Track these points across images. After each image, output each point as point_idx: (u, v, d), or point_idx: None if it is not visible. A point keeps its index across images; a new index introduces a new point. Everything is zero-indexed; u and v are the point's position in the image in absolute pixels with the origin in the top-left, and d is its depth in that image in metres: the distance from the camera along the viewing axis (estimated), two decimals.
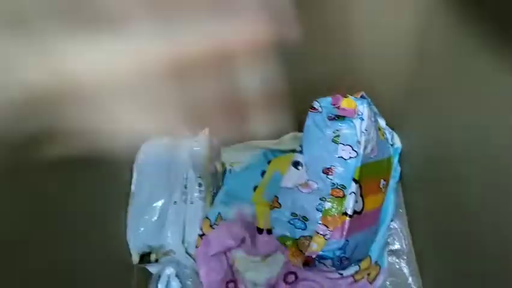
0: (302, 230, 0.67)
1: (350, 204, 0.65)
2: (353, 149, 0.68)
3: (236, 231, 0.73)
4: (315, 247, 0.65)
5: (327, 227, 0.65)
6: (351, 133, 0.69)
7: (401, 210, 0.78)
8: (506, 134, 0.43)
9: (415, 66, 0.66)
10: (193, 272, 0.72)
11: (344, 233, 0.64)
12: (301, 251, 0.66)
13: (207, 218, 0.76)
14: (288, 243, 0.67)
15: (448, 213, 0.62)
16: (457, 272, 0.59)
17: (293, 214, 0.68)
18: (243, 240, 0.73)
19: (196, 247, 0.73)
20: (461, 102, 0.54)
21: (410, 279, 0.72)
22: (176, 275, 0.70)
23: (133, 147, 0.82)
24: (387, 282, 0.73)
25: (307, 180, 0.68)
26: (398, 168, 0.79)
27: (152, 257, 0.77)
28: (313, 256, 0.65)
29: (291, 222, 0.68)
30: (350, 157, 0.67)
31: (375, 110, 0.75)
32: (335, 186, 0.66)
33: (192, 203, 0.76)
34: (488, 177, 0.48)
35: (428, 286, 0.70)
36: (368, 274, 0.72)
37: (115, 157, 0.74)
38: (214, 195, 0.80)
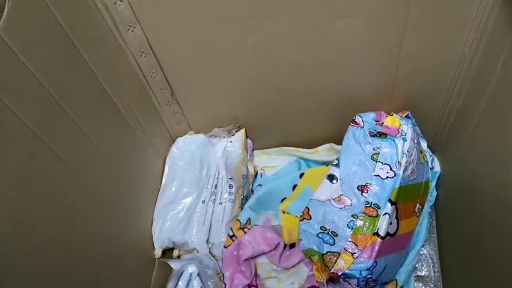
0: (330, 245, 0.65)
1: (382, 225, 0.63)
2: (391, 169, 0.66)
3: (271, 237, 0.72)
4: (342, 264, 0.63)
5: (357, 246, 0.63)
6: (391, 152, 0.67)
7: (432, 236, 0.76)
8: None
9: (469, 90, 0.63)
10: (214, 273, 0.71)
11: (374, 254, 0.62)
12: (327, 266, 0.64)
13: (237, 220, 0.75)
14: (314, 257, 0.65)
15: (481, 245, 0.59)
16: None
17: (322, 228, 0.66)
18: (276, 247, 0.72)
19: (225, 247, 0.72)
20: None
21: None
22: (198, 274, 0.70)
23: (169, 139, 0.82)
24: None
25: (341, 195, 0.67)
26: (434, 193, 0.76)
27: (175, 253, 0.76)
28: (339, 273, 0.63)
29: (320, 236, 0.66)
30: (388, 177, 0.65)
31: (419, 131, 0.73)
32: (369, 204, 0.65)
33: (220, 203, 0.75)
34: None
35: None
36: None
37: (150, 147, 0.75)
38: (244, 198, 0.79)
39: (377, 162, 0.67)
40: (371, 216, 0.64)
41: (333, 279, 0.64)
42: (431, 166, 0.76)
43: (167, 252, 0.77)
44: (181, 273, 0.70)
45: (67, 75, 0.51)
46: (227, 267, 0.72)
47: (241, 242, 0.72)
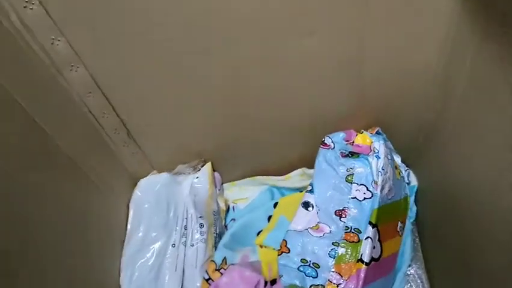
0: (313, 278, 0.61)
1: (366, 250, 0.59)
2: (367, 189, 0.62)
3: (250, 275, 0.67)
4: None
5: (341, 276, 0.59)
6: (366, 172, 0.64)
7: (418, 254, 0.73)
8: None
9: (437, 97, 0.61)
10: None
11: (360, 283, 0.58)
12: None
13: (212, 261, 0.70)
14: None
15: (468, 255, 0.56)
16: None
17: (303, 260, 0.62)
18: (256, 286, 0.67)
19: None
20: (489, 141, 0.48)
21: None
22: None
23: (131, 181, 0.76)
24: None
25: (319, 222, 0.63)
26: (414, 208, 0.73)
27: None
28: None
29: (301, 269, 0.62)
30: (365, 198, 0.62)
31: (391, 146, 0.70)
32: (349, 229, 0.61)
33: (192, 245, 0.70)
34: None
35: None
36: None
37: (109, 192, 0.69)
38: (217, 236, 0.73)
39: (352, 183, 0.64)
40: (353, 242, 0.60)
41: None
42: (407, 181, 0.73)
43: None
44: None
45: (4, 126, 0.46)
46: None
47: (218, 285, 0.67)
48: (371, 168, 0.63)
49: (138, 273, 0.68)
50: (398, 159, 0.73)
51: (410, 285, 0.70)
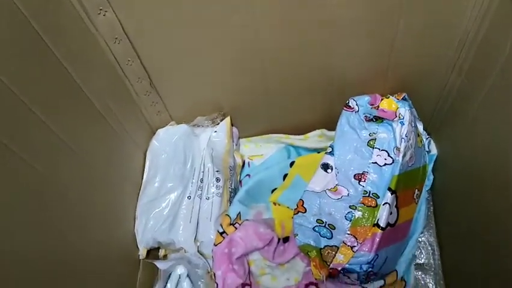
0: (328, 239, 0.61)
1: (383, 215, 0.59)
2: (389, 155, 0.62)
3: (264, 232, 0.68)
4: (341, 259, 0.59)
5: (356, 238, 0.59)
6: (389, 138, 0.63)
7: (431, 222, 0.73)
8: None
9: (469, 66, 0.59)
10: (204, 273, 0.67)
11: (375, 246, 0.58)
12: (325, 261, 0.61)
13: (227, 215, 0.70)
14: (312, 253, 0.61)
15: (481, 228, 0.57)
16: None
17: (319, 221, 0.62)
18: (270, 242, 0.68)
19: (215, 245, 0.68)
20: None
21: None
22: (188, 275, 0.65)
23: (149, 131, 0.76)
24: None
25: (337, 185, 0.63)
26: (431, 177, 0.73)
27: (161, 252, 0.71)
28: (339, 269, 0.60)
29: (316, 229, 0.62)
30: (386, 164, 0.61)
31: (416, 113, 0.69)
32: (368, 194, 0.61)
33: (207, 198, 0.70)
34: None
35: None
36: None
37: (128, 140, 0.69)
38: (232, 191, 0.74)
39: (373, 148, 0.63)
40: (370, 206, 0.60)
41: (332, 274, 0.61)
42: (427, 149, 0.73)
43: (152, 252, 0.72)
44: (169, 274, 0.66)
45: (32, 69, 0.45)
46: (218, 265, 0.67)
47: (232, 239, 0.68)
48: (394, 134, 0.62)
49: (153, 222, 0.69)
50: (420, 127, 0.72)
51: (421, 252, 0.71)
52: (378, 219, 0.59)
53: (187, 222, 0.69)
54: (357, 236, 0.59)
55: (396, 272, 0.66)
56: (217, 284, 0.66)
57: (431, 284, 0.69)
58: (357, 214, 0.60)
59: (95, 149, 0.59)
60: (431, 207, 0.74)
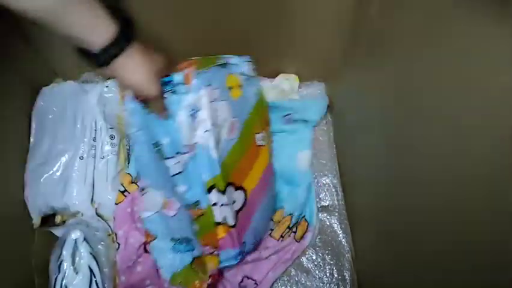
0: (192, 251, 0.61)
1: (217, 215, 0.55)
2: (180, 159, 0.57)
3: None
4: (212, 266, 0.58)
5: (210, 245, 0.57)
6: (172, 139, 0.56)
7: (334, 164, 0.74)
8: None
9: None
10: (105, 235, 0.64)
11: (235, 241, 0.57)
12: (201, 274, 0.60)
13: (127, 173, 0.67)
14: (181, 280, 0.60)
15: (382, 162, 0.56)
16: (389, 233, 0.55)
17: (173, 240, 0.61)
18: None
19: (116, 204, 0.65)
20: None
21: (341, 236, 0.68)
22: (85, 239, 0.61)
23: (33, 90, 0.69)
24: (317, 240, 0.68)
25: (167, 198, 0.61)
26: (315, 117, 0.75)
27: (58, 218, 0.67)
28: (216, 273, 0.59)
29: (176, 248, 0.61)
30: (178, 172, 0.57)
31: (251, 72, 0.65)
32: (189, 206, 0.57)
33: (102, 158, 0.66)
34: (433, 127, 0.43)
35: (360, 244, 0.67)
36: (295, 232, 0.67)
37: (6, 101, 0.63)
38: (130, 148, 0.70)
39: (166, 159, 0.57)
40: (200, 215, 0.57)
41: (214, 280, 0.60)
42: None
43: (50, 219, 0.67)
44: (64, 241, 0.61)
45: None
46: (120, 225, 0.64)
47: (135, 197, 0.65)
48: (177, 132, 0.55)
49: (44, 187, 0.64)
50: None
51: (325, 194, 0.72)
52: (217, 220, 0.56)
53: (81, 185, 0.65)
54: (210, 243, 0.57)
55: (306, 221, 0.67)
56: (118, 245, 0.63)
57: (335, 224, 0.70)
58: (196, 227, 0.58)
59: None
60: (335, 150, 0.75)
